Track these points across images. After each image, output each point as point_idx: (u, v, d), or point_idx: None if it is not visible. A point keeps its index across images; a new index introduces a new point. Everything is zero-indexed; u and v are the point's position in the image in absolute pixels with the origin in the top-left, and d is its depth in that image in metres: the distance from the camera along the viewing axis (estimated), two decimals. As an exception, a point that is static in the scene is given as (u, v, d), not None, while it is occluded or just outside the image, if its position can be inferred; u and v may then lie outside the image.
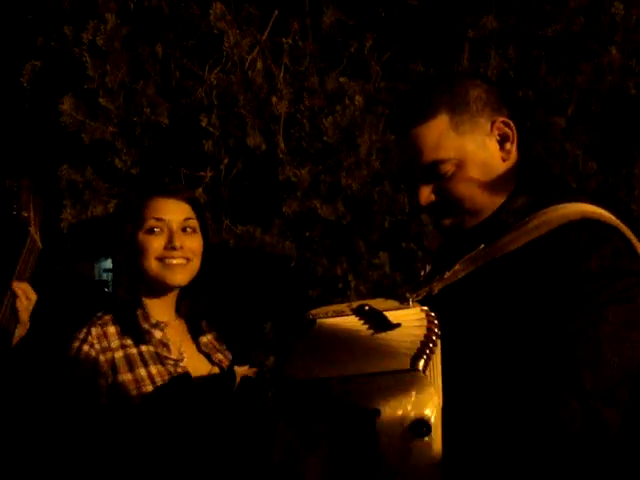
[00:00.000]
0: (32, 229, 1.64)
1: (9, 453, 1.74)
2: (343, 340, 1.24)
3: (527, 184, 1.44)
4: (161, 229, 1.94)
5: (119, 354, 1.85)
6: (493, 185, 1.40)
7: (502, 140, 1.41)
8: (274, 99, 2.94)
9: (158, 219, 1.93)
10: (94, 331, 1.88)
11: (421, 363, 1.12)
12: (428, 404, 1.06)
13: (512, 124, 1.41)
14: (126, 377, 1.82)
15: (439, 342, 1.20)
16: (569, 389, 1.19)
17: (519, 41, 3.44)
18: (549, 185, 1.45)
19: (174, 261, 1.92)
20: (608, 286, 1.23)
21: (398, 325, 1.21)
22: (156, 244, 1.92)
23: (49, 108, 3.11)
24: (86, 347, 1.83)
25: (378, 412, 1.05)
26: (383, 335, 1.19)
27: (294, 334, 1.32)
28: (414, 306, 1.32)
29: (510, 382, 1.25)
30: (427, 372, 1.12)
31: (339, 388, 1.09)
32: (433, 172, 1.39)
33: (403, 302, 1.35)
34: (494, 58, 3.33)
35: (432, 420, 1.06)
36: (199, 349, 2.01)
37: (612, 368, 1.21)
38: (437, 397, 1.08)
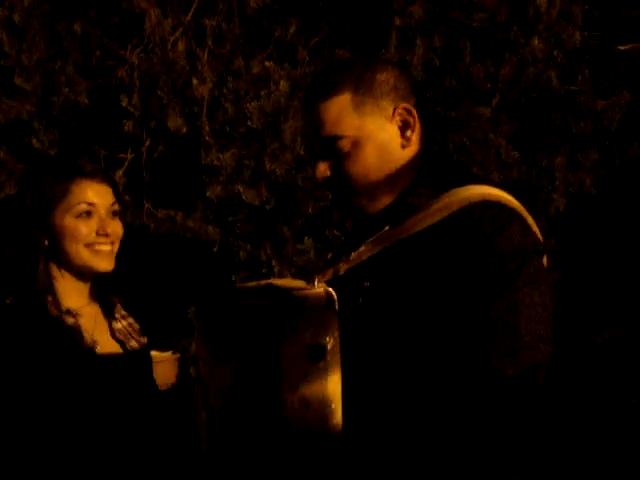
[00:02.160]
0: None
1: None
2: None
3: (430, 175, 1.43)
4: (91, 214, 1.85)
5: (29, 340, 1.79)
6: (389, 170, 1.39)
7: (403, 127, 1.40)
8: (195, 81, 2.90)
9: (90, 203, 1.84)
10: (4, 318, 1.81)
11: (335, 305, 1.19)
12: (327, 333, 1.15)
13: (415, 112, 1.40)
14: (37, 365, 1.76)
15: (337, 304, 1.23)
16: (491, 376, 1.20)
17: (445, 30, 3.47)
18: (452, 174, 1.44)
19: (103, 247, 1.85)
20: (522, 268, 1.24)
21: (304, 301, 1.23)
22: (87, 230, 1.82)
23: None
24: None
25: (284, 334, 1.14)
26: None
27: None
28: (319, 287, 1.28)
29: (422, 368, 1.25)
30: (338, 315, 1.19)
31: (250, 308, 1.17)
32: (330, 148, 1.39)
33: (309, 282, 1.34)
34: (420, 46, 3.36)
35: (328, 347, 1.15)
36: (113, 336, 1.95)
37: (532, 351, 1.22)
38: (335, 332, 1.16)
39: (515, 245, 1.25)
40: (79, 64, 3.04)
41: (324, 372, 1.16)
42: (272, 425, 1.17)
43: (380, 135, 1.38)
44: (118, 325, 1.96)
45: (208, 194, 3.14)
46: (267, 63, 3.02)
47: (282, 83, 3.01)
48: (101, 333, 1.91)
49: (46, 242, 1.83)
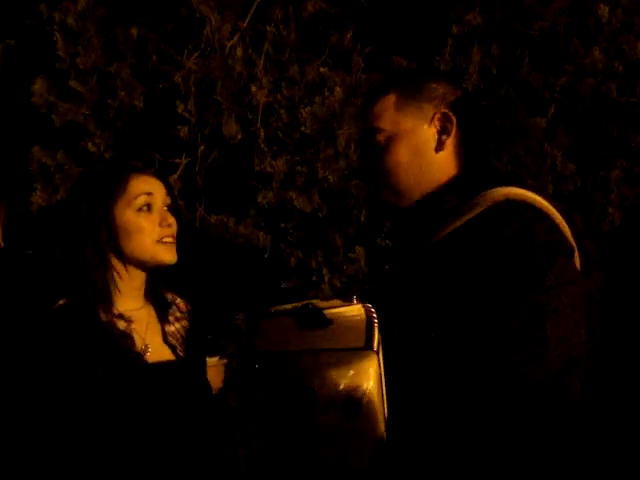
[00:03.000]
0: None
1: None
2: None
3: (462, 182, 1.46)
4: (151, 207, 1.84)
5: (79, 345, 1.77)
6: (419, 169, 1.45)
7: (440, 131, 1.45)
8: (253, 88, 2.89)
9: (148, 193, 1.82)
10: (55, 320, 1.80)
11: (375, 343, 1.16)
12: (362, 384, 1.10)
13: (454, 120, 1.45)
14: (85, 370, 1.74)
15: (377, 332, 1.24)
16: (518, 384, 1.19)
17: (502, 38, 3.42)
18: (484, 180, 1.45)
19: (169, 239, 1.84)
20: (546, 269, 1.22)
21: (330, 322, 1.25)
22: (150, 225, 1.80)
23: (21, 88, 3.04)
24: (44, 336, 1.76)
25: (314, 391, 1.10)
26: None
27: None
28: (357, 303, 1.34)
29: (452, 375, 1.24)
30: (378, 353, 1.16)
31: (284, 362, 1.14)
32: (370, 139, 1.48)
33: (346, 300, 1.35)
34: (476, 54, 3.31)
35: (364, 401, 1.10)
36: (165, 340, 1.92)
37: (559, 357, 1.20)
38: (372, 379, 1.11)
39: (539, 245, 1.25)
40: (135, 68, 3.05)
41: (360, 428, 1.11)
42: (310, 475, 1.14)
43: (416, 135, 1.45)
44: (171, 328, 1.92)
45: (260, 200, 3.13)
46: (322, 69, 3.00)
47: (337, 89, 2.99)
48: (153, 337, 1.89)
49: (110, 241, 1.81)
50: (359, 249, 3.38)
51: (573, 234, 1.29)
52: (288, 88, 3.04)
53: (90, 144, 3.00)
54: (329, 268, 3.40)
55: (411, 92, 1.47)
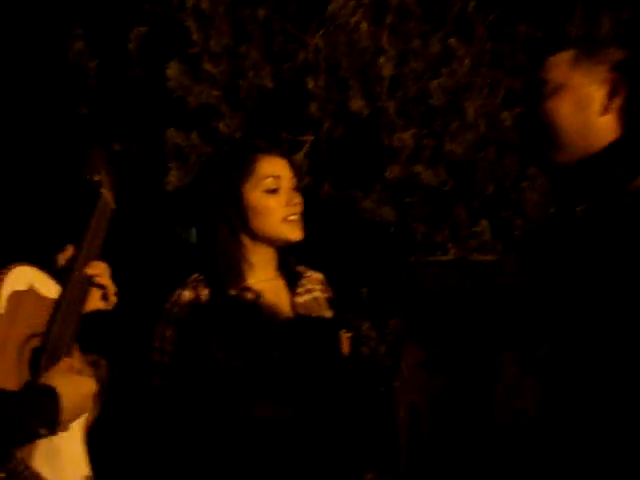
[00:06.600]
0: (104, 191, 1.64)
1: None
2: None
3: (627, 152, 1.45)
4: (279, 187, 1.91)
5: (210, 316, 1.85)
6: (580, 127, 1.46)
7: (609, 95, 1.44)
8: (381, 60, 2.91)
9: (276, 177, 1.89)
10: (187, 294, 1.88)
11: None
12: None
13: (624, 86, 1.43)
14: (215, 339, 1.82)
15: None
16: None
17: (633, 1, 3.29)
18: None
19: (295, 217, 1.90)
20: None
21: None
22: (278, 204, 1.88)
23: (156, 73, 3.16)
24: (176, 309, 1.84)
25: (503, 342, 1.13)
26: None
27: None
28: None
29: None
30: None
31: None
32: (536, 89, 1.50)
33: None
34: (607, 19, 3.20)
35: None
36: (293, 309, 1.97)
37: None
38: None
39: None
40: (263, 49, 3.12)
41: (537, 386, 1.11)
42: (482, 436, 1.15)
43: (583, 92, 1.45)
44: (300, 300, 1.97)
45: (386, 175, 3.15)
46: (451, 40, 2.99)
47: (465, 61, 2.96)
48: (282, 307, 1.94)
49: (239, 220, 1.88)
50: (484, 222, 3.34)
51: None
52: (414, 60, 3.04)
53: (222, 124, 3.10)
54: (454, 242, 3.38)
55: (589, 52, 1.47)
